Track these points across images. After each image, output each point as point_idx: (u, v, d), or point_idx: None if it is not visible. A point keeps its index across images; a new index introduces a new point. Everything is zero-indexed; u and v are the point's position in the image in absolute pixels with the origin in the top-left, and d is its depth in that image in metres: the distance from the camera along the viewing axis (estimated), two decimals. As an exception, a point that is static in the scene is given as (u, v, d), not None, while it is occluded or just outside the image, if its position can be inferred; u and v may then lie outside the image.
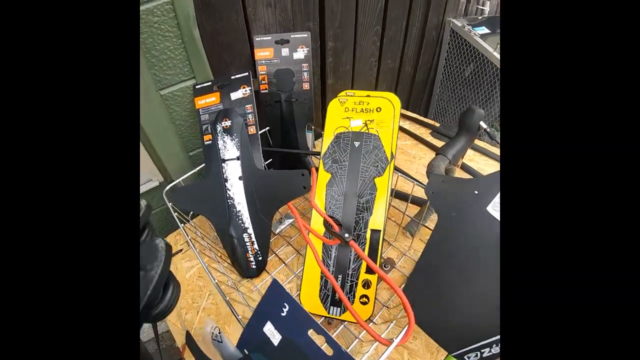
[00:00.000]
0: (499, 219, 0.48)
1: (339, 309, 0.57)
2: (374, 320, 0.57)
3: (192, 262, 0.70)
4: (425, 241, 0.69)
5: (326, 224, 0.52)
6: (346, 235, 0.49)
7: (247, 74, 0.62)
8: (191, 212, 0.71)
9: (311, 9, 0.75)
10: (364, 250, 0.58)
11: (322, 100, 0.94)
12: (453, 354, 0.41)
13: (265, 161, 0.77)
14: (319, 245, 0.60)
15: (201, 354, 0.43)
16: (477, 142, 0.95)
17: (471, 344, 0.41)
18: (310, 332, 0.33)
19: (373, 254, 0.58)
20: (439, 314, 0.45)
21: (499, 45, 1.07)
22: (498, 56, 1.09)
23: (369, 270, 0.58)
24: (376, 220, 0.58)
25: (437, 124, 1.03)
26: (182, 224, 0.63)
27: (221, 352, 0.40)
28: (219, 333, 0.41)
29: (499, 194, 0.49)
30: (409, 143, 0.96)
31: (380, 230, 0.58)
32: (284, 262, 0.67)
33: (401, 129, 1.00)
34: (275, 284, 0.37)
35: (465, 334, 0.42)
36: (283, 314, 0.34)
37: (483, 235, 0.48)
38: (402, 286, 0.53)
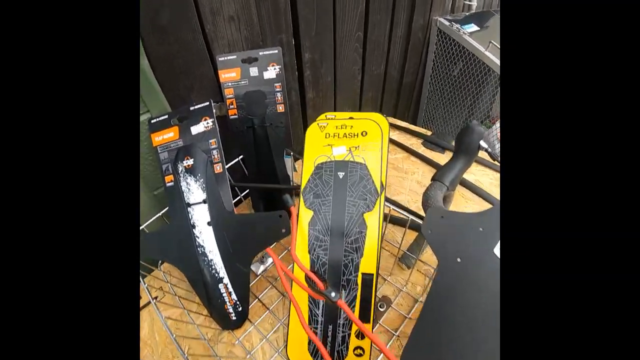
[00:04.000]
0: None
1: (331, 364, 0.50)
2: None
3: (168, 312, 0.62)
4: (423, 272, 0.62)
5: (309, 280, 0.45)
6: (333, 294, 0.41)
7: (207, 103, 0.54)
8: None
9: (282, 20, 0.68)
10: (355, 297, 0.51)
11: (304, 117, 0.87)
12: None
13: (242, 192, 0.70)
14: (305, 294, 0.52)
15: None
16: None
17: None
18: None
19: (366, 301, 0.50)
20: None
21: (490, 44, 1.00)
22: (488, 54, 1.02)
23: (364, 319, 0.50)
24: (368, 262, 0.51)
25: (429, 132, 0.96)
26: (143, 278, 0.55)
27: None
28: None
29: (507, 232, 0.42)
30: (399, 156, 0.88)
31: (372, 274, 0.50)
32: (268, 309, 0.59)
33: (390, 140, 0.93)
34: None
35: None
36: None
37: (490, 283, 0.41)
38: (403, 343, 0.45)
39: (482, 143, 0.53)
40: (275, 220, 0.52)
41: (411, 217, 0.49)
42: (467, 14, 1.18)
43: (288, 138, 0.65)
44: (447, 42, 1.11)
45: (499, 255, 0.41)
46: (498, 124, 1.51)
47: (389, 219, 0.66)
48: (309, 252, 0.53)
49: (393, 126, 0.99)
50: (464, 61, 1.12)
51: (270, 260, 0.65)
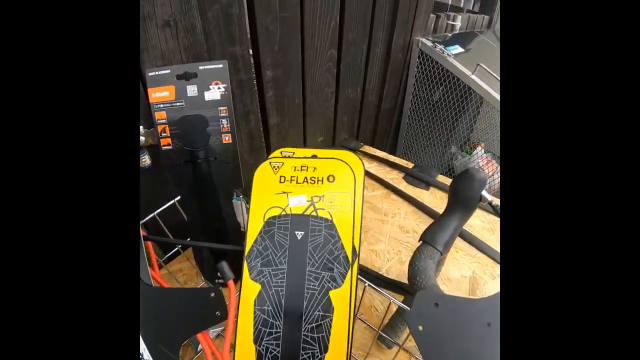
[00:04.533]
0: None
1: None
2: None
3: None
4: (408, 350, 0.48)
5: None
6: None
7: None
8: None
9: (235, 28, 0.54)
10: (317, 408, 0.36)
11: (267, 146, 0.73)
12: None
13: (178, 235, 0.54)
14: (245, 405, 0.37)
15: None
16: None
17: None
18: None
19: (332, 414, 0.36)
20: None
21: (478, 66, 0.91)
22: (475, 78, 0.93)
23: None
24: (335, 359, 0.36)
25: (411, 165, 0.85)
26: None
27: None
28: None
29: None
30: (378, 194, 0.76)
31: (341, 377, 0.36)
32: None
33: (367, 174, 0.80)
34: None
35: None
36: None
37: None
38: None
39: (485, 194, 0.41)
40: (206, 300, 0.37)
41: (393, 300, 0.35)
42: (450, 34, 1.10)
43: (237, 175, 0.51)
44: (429, 65, 1.02)
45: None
46: (478, 149, 1.42)
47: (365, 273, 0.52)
48: (255, 342, 0.38)
49: (371, 157, 0.87)
50: (445, 85, 1.04)
51: (212, 331, 0.50)
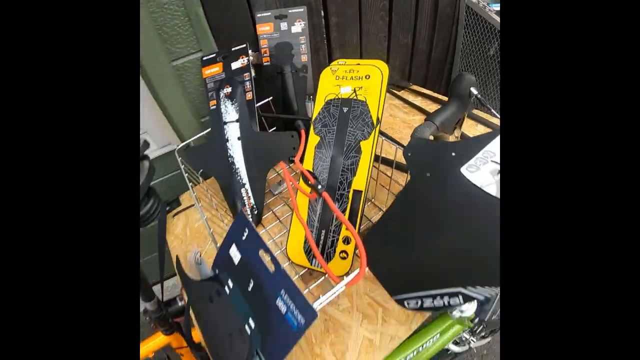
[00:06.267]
0: (470, 179, 0.49)
1: (322, 261, 0.62)
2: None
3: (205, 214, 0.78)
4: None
5: (304, 176, 0.57)
6: (319, 186, 0.54)
7: (244, 45, 0.69)
8: (200, 171, 0.79)
9: (311, -14, 0.80)
10: (345, 210, 0.62)
11: (330, 75, 0.98)
12: (394, 297, 0.45)
13: (270, 128, 0.84)
14: (306, 203, 0.65)
15: (184, 274, 0.50)
16: (478, 112, 0.94)
17: (414, 292, 0.44)
18: (261, 253, 0.38)
19: (354, 213, 0.62)
20: (392, 262, 0.49)
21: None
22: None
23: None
24: (359, 180, 0.62)
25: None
26: (191, 184, 0.72)
27: (200, 272, 0.46)
28: (200, 257, 0.48)
29: (475, 157, 0.50)
30: (416, 118, 0.97)
31: (362, 191, 0.62)
32: (279, 219, 0.73)
33: (412, 105, 1.01)
34: (241, 215, 0.43)
35: (412, 283, 0.45)
36: (244, 238, 0.40)
37: (452, 193, 0.50)
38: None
39: (473, 90, 0.61)
40: (288, 139, 0.65)
41: (398, 145, 0.59)
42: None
43: (310, 85, 0.78)
44: (477, 20, 1.12)
45: (463, 174, 0.50)
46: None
47: (382, 160, 0.75)
48: (313, 169, 0.65)
49: (415, 92, 1.07)
50: (499, 41, 1.15)
51: (284, 185, 0.79)
